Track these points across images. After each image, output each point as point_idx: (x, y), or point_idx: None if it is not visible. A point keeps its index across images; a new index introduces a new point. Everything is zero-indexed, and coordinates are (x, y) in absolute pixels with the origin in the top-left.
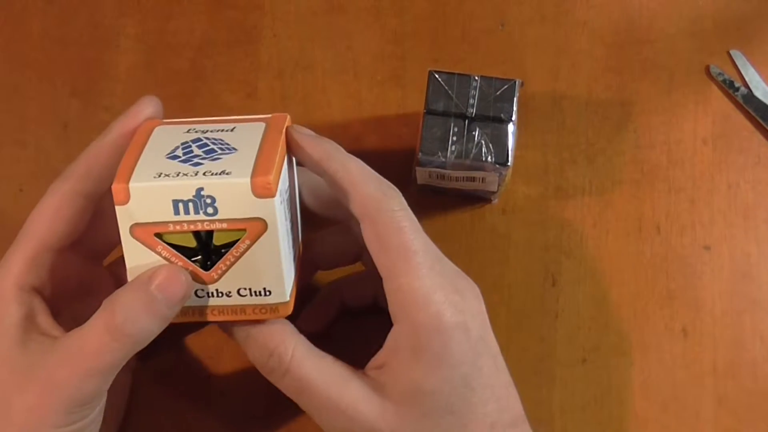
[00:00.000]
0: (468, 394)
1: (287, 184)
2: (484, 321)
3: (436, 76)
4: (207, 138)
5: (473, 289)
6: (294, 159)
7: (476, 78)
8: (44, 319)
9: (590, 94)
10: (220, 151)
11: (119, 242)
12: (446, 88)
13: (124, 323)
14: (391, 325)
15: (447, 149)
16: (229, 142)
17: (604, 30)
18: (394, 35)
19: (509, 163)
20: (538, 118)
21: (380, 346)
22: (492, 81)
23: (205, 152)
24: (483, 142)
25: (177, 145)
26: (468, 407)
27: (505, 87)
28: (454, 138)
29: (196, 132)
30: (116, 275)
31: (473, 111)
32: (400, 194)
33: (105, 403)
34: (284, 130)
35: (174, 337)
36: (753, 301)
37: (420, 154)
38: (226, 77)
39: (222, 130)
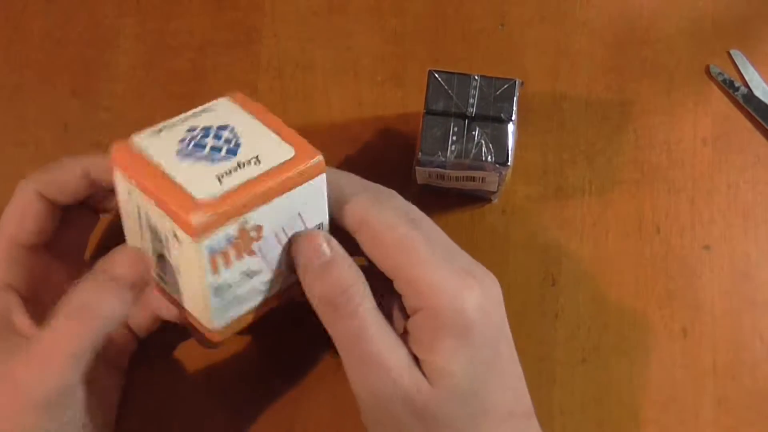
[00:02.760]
0: (489, 378)
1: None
2: (503, 310)
3: (436, 75)
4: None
5: (491, 276)
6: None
7: (476, 78)
8: (19, 318)
9: (590, 94)
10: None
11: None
12: (446, 87)
13: (85, 306)
14: None
15: (447, 149)
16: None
17: (604, 30)
18: (395, 35)
19: (509, 163)
20: (538, 118)
21: None
22: (492, 81)
23: (212, 149)
24: (483, 141)
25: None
26: (488, 392)
27: (505, 87)
28: (454, 138)
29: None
30: None
31: (473, 111)
32: (394, 193)
33: (85, 407)
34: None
35: (173, 336)
36: (752, 301)
37: (420, 153)
38: (226, 77)
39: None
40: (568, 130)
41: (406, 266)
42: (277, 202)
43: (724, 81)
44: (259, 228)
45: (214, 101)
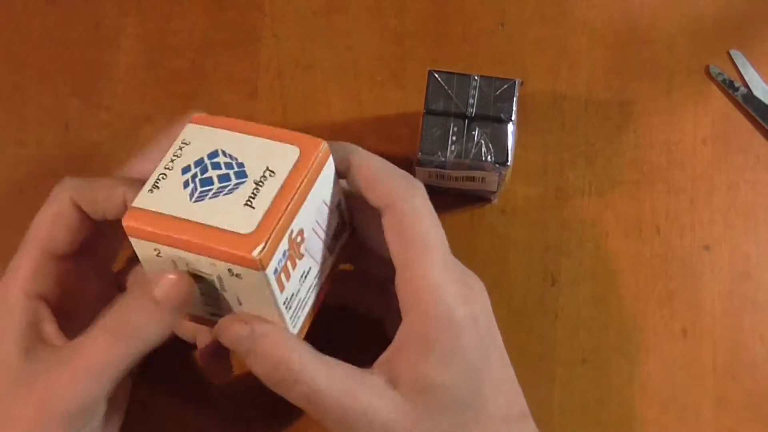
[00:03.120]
0: (480, 387)
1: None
2: (491, 316)
3: (436, 75)
4: (225, 162)
5: (480, 284)
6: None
7: (476, 78)
8: (49, 327)
9: (590, 94)
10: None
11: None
12: (446, 87)
13: (126, 326)
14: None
15: (447, 149)
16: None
17: (604, 30)
18: (394, 35)
19: (509, 163)
20: (538, 118)
21: (381, 348)
22: (492, 81)
23: (220, 179)
24: (483, 141)
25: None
26: (480, 400)
27: (505, 87)
28: (454, 138)
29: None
30: (123, 285)
31: (473, 111)
32: (423, 187)
33: (103, 419)
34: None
35: (173, 344)
36: (752, 301)
37: (420, 153)
38: (226, 77)
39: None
40: (568, 130)
41: (415, 263)
42: (308, 200)
43: (724, 81)
44: (301, 231)
45: (182, 132)
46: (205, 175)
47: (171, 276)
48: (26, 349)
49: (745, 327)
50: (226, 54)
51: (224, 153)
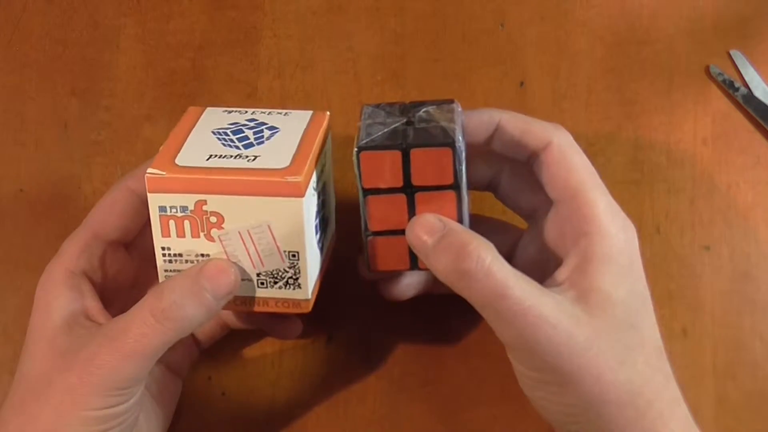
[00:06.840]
0: (645, 312)
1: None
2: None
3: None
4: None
5: (633, 226)
6: (328, 152)
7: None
8: (92, 304)
9: (590, 94)
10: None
11: None
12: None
13: (170, 307)
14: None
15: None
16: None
17: (603, 30)
18: (394, 35)
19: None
20: (538, 118)
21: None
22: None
23: (255, 135)
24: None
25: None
26: (645, 325)
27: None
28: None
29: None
30: None
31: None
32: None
33: (143, 395)
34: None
35: None
36: (752, 301)
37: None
38: (225, 77)
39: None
40: (568, 129)
41: (588, 189)
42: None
43: (724, 81)
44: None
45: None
46: (239, 135)
47: (222, 264)
48: (69, 324)
49: (745, 327)
50: (226, 54)
51: (252, 120)
